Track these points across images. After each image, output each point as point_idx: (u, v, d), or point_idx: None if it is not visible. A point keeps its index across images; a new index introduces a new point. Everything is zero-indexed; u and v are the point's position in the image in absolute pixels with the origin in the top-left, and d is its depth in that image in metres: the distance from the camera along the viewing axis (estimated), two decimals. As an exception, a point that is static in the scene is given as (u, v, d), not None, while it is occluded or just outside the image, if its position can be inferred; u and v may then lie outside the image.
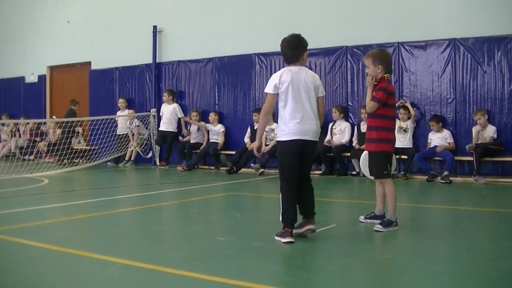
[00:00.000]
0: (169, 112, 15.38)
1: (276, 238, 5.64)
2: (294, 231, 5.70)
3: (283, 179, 5.81)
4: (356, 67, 13.00)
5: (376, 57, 6.48)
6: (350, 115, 13.15)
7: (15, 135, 19.30)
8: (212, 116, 14.76)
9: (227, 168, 13.61)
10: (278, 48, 14.14)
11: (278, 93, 5.79)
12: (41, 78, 19.95)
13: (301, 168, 5.83)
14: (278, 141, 5.89)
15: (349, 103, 13.11)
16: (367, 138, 6.57)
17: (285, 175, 5.78)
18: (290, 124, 5.75)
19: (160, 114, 15.72)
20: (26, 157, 17.32)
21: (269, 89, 5.84)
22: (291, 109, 5.75)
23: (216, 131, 14.63)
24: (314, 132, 5.85)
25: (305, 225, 5.79)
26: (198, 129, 14.92)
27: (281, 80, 5.77)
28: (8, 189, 10.68)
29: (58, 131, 17.66)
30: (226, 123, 14.71)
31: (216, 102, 15.02)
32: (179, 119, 15.45)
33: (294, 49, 5.88)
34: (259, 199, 9.88)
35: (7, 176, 13.18)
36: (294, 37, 5.92)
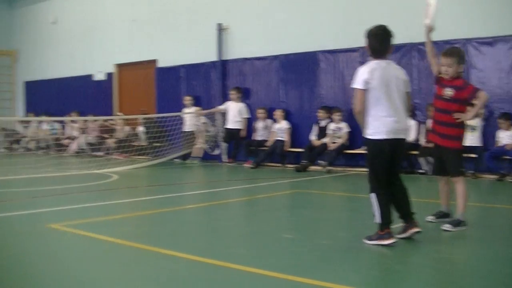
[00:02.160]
0: (236, 110, 15.71)
1: (371, 242, 5.55)
2: (398, 235, 5.68)
3: (374, 180, 5.68)
4: (423, 64, 12.99)
5: (461, 56, 6.57)
6: (417, 112, 13.14)
7: (84, 132, 19.88)
8: (277, 113, 14.97)
9: (296, 165, 13.73)
10: (342, 45, 14.28)
11: (367, 89, 5.59)
12: (109, 76, 20.64)
13: (392, 168, 5.71)
14: (368, 140, 5.71)
15: (416, 100, 13.12)
16: (442, 134, 6.57)
17: (377, 175, 5.67)
18: (383, 122, 5.58)
19: (222, 109, 16.05)
20: (96, 153, 17.86)
21: (358, 84, 5.63)
22: (384, 106, 5.58)
23: (282, 129, 14.80)
24: (406, 130, 5.85)
25: (410, 229, 5.75)
26: (266, 126, 15.14)
27: (372, 75, 5.57)
28: (78, 185, 11.26)
29: (126, 128, 18.22)
30: (292, 120, 14.89)
31: (282, 100, 15.22)
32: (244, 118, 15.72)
33: (382, 42, 5.69)
34: (326, 197, 10.09)
35: (77, 172, 13.75)
36: (382, 29, 5.73)
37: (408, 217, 5.78)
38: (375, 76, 5.57)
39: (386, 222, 5.54)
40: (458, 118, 6.39)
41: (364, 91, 5.60)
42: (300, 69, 15.00)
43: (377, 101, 5.60)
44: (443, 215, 6.73)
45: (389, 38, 5.71)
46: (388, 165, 5.63)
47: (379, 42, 5.69)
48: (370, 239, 5.56)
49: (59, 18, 23.03)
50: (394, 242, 5.46)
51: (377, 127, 5.61)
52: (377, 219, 5.56)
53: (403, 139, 5.76)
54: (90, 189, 10.67)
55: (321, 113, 14.18)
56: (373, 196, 5.62)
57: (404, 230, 5.79)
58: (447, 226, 6.30)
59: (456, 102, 6.45)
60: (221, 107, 16.22)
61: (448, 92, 6.47)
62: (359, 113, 5.73)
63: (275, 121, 15.16)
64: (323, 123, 14.19)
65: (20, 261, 5.05)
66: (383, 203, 5.56)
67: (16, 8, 25.53)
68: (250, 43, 16.19)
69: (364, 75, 5.59)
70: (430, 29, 6.81)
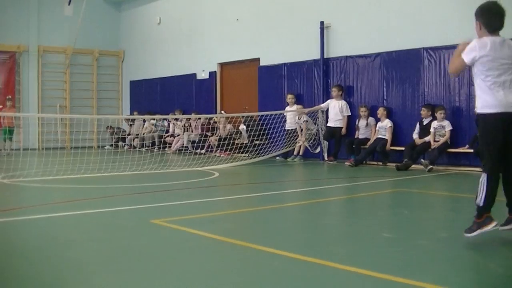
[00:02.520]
0: (337, 108, 15.71)
1: (473, 234, 5.39)
2: (501, 227, 5.51)
3: (487, 157, 5.45)
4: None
5: None
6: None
7: (187, 129, 20.29)
8: (380, 112, 14.83)
9: (397, 164, 13.60)
10: (446, 42, 14.00)
11: (472, 64, 5.47)
12: (212, 74, 20.98)
13: (507, 150, 5.44)
14: (479, 114, 5.53)
15: None
16: None
17: (489, 151, 5.44)
18: (495, 96, 5.37)
19: (324, 107, 16.03)
20: (198, 151, 18.20)
21: (466, 57, 5.48)
22: (494, 82, 5.39)
23: (384, 127, 14.67)
24: None
25: None
26: (367, 124, 15.06)
27: (484, 52, 5.40)
28: (181, 181, 11.59)
29: (228, 126, 18.48)
30: (394, 118, 14.75)
31: (385, 98, 15.09)
32: (345, 116, 15.69)
33: (497, 17, 5.51)
34: (427, 196, 9.94)
35: (180, 169, 14.14)
36: (495, 4, 5.57)
37: None
38: (488, 54, 5.39)
39: (489, 205, 5.35)
40: None
41: (465, 64, 5.54)
42: (403, 66, 14.83)
43: (487, 78, 5.43)
44: None
45: (504, 13, 5.52)
46: (501, 142, 5.40)
47: (494, 16, 5.52)
48: (471, 231, 5.41)
49: (164, 19, 23.66)
50: (496, 225, 5.31)
51: (488, 100, 5.44)
52: (480, 200, 5.37)
53: None
54: (192, 186, 10.93)
55: (423, 111, 13.99)
56: (482, 176, 5.44)
57: (508, 221, 5.58)
58: None
59: None
60: (323, 105, 16.25)
61: None
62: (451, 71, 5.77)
63: (378, 119, 15.02)
64: (425, 121, 13.99)
65: (125, 254, 5.28)
66: (492, 185, 5.36)
67: (123, 11, 26.45)
68: (353, 40, 16.14)
69: (475, 51, 5.45)
70: None
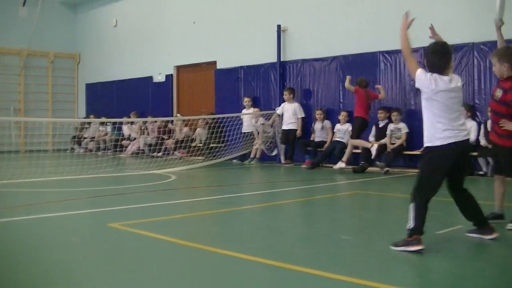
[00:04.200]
0: (291, 111, 15.78)
1: (397, 248, 5.38)
2: (467, 233, 5.88)
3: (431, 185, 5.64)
4: (483, 64, 12.83)
5: (502, 55, 6.39)
6: (477, 113, 12.97)
7: (144, 133, 20.20)
8: (342, 115, 14.83)
9: (356, 166, 13.68)
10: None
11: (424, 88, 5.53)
12: (168, 77, 20.94)
13: (458, 175, 5.72)
14: (427, 147, 5.64)
15: (476, 101, 13.01)
16: (498, 133, 6.43)
17: (429, 183, 5.64)
18: (446, 126, 5.47)
19: (279, 113, 16.04)
20: (155, 154, 18.11)
21: (419, 82, 5.57)
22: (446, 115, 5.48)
23: (343, 130, 14.72)
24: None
25: (490, 233, 5.79)
26: (322, 127, 15.13)
27: (437, 88, 5.46)
28: (138, 185, 11.46)
29: (185, 129, 18.46)
30: (350, 121, 14.80)
31: (341, 101, 15.18)
32: (299, 118, 15.74)
33: (441, 58, 5.58)
34: (384, 198, 10.02)
35: (137, 172, 14.03)
36: (441, 46, 5.70)
37: (483, 223, 5.85)
38: (440, 89, 5.47)
39: (419, 229, 5.40)
40: (502, 126, 6.28)
41: (422, 78, 5.57)
42: (359, 70, 14.92)
43: (439, 111, 5.50)
44: (495, 217, 6.57)
45: (448, 55, 5.62)
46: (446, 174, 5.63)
47: (438, 58, 5.59)
48: (396, 245, 5.41)
49: (120, 21, 23.53)
50: (421, 249, 5.27)
51: (436, 134, 5.53)
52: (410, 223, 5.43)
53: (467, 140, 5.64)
54: (149, 189, 10.85)
55: (380, 114, 14.10)
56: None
57: (474, 231, 5.90)
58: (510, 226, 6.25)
59: (503, 105, 6.33)
60: (278, 111, 16.25)
61: (498, 93, 6.37)
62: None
63: (334, 122, 15.10)
64: (381, 124, 14.12)
65: (81, 259, 5.21)
66: (423, 211, 5.47)
67: (79, 13, 26.22)
68: (309, 44, 16.23)
69: (431, 83, 5.50)
70: (499, 24, 6.72)
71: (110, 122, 21.70)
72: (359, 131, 13.87)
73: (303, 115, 15.92)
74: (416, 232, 5.34)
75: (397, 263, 5.05)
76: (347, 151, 14.10)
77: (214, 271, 4.79)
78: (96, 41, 25.07)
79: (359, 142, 13.84)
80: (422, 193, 5.56)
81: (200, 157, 17.05)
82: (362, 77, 14.17)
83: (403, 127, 13.65)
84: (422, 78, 5.52)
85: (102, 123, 22.41)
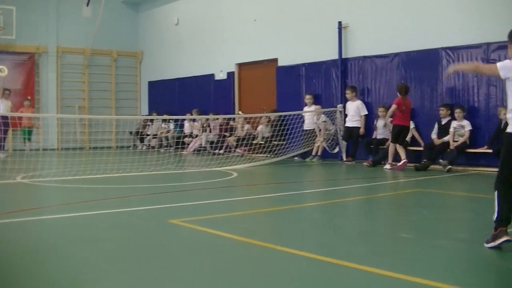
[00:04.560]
0: (353, 109, 15.72)
1: (487, 244, 5.29)
2: None
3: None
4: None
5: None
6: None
7: (205, 130, 20.34)
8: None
9: (418, 164, 13.56)
10: (465, 42, 13.96)
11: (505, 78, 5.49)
12: (230, 75, 21.03)
13: None
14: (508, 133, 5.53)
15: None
16: None
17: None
18: None
19: (346, 112, 15.97)
20: (216, 151, 18.25)
21: (502, 69, 5.50)
22: None
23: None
24: None
25: None
26: (385, 124, 15.00)
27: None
28: (199, 182, 11.66)
29: (246, 126, 18.56)
30: (413, 118, 14.66)
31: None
32: (362, 116, 15.67)
33: None
34: (445, 196, 9.91)
35: (198, 169, 14.16)
36: None
37: None
38: None
39: (500, 220, 5.29)
40: None
41: (497, 71, 5.54)
42: (421, 66, 14.77)
43: None
44: None
45: None
46: None
47: None
48: (487, 242, 5.32)
49: (182, 19, 23.76)
50: (506, 241, 5.14)
51: None
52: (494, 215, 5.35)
53: None
54: (210, 186, 10.97)
55: (442, 111, 13.94)
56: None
57: None
58: None
59: None
60: (340, 109, 16.21)
61: None
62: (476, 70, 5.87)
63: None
64: (444, 121, 13.95)
65: (143, 254, 5.31)
66: (507, 199, 5.34)
67: (141, 11, 26.62)
68: (371, 40, 16.12)
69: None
70: None
71: (172, 119, 21.97)
72: (397, 138, 13.83)
73: (366, 113, 15.85)
74: (501, 224, 5.25)
75: (458, 262, 5.00)
76: (389, 153, 14.00)
77: (273, 268, 4.79)
78: (158, 39, 25.42)
79: (392, 150, 13.87)
80: (504, 179, 5.42)
81: (261, 155, 17.11)
82: (402, 84, 14.15)
83: (467, 125, 13.45)
84: (507, 64, 5.43)
85: (164, 121, 22.70)
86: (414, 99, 14.84)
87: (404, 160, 13.75)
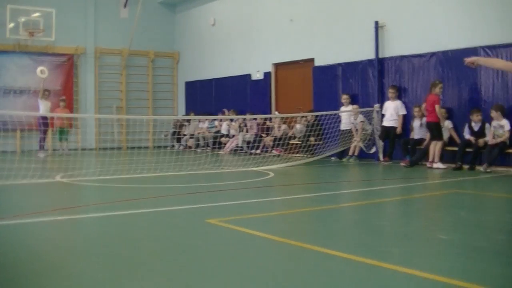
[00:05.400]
0: (392, 108, 15.67)
1: None
2: None
3: None
4: None
5: None
6: None
7: (242, 130, 20.44)
8: (442, 113, 14.62)
9: (455, 165, 13.51)
10: (505, 40, 13.87)
11: None
12: (266, 75, 21.14)
13: None
14: None
15: None
16: None
17: None
18: None
19: (383, 112, 15.91)
20: (253, 151, 18.33)
21: None
22: None
23: (444, 128, 14.49)
24: None
25: None
26: (421, 124, 14.95)
27: None
28: (236, 181, 11.76)
29: (283, 126, 18.62)
30: (450, 119, 14.58)
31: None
32: (401, 115, 15.61)
33: None
34: (484, 198, 9.86)
35: (235, 169, 14.30)
36: None
37: None
38: None
39: None
40: None
41: None
42: (459, 65, 14.62)
43: None
44: None
45: None
46: None
47: None
48: None
49: (218, 20, 23.93)
50: None
51: None
52: None
53: None
54: (247, 186, 11.06)
55: (475, 116, 13.81)
56: None
57: None
58: None
59: None
60: (378, 109, 16.18)
61: None
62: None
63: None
64: (476, 126, 13.83)
65: (180, 253, 5.41)
66: None
67: (178, 12, 26.88)
68: (408, 40, 16.08)
69: None
70: None
71: (208, 119, 22.13)
72: (438, 134, 13.85)
73: (404, 113, 15.84)
74: None
75: (497, 264, 4.92)
76: (436, 152, 13.95)
77: (309, 268, 4.82)
78: (195, 39, 25.63)
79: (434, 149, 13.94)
80: None
81: (298, 155, 17.16)
82: (434, 80, 14.15)
83: (506, 124, 13.32)
84: None
85: (201, 121, 22.86)
86: (452, 99, 14.80)
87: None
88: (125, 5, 25.26)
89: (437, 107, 13.95)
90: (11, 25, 22.25)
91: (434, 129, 14.08)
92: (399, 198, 9.70)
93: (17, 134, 22.22)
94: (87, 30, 24.67)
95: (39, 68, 20.22)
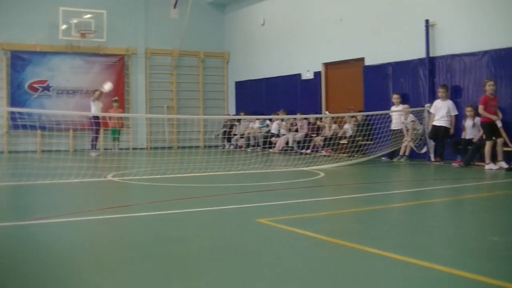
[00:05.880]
0: (443, 108, 15.55)
1: None
2: None
3: None
4: None
5: None
6: None
7: (291, 130, 20.50)
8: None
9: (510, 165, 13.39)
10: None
11: None
12: (316, 74, 21.19)
13: None
14: None
15: None
16: None
17: None
18: None
19: (434, 111, 15.77)
20: (303, 151, 18.38)
21: None
22: None
23: (495, 128, 14.38)
24: None
25: None
26: (474, 124, 14.81)
27: None
28: (286, 181, 11.81)
29: (334, 126, 18.63)
30: (504, 118, 14.40)
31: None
32: (453, 116, 15.49)
33: None
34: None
35: (285, 169, 14.36)
36: None
37: None
38: None
39: None
40: None
41: None
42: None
43: None
44: None
45: None
46: None
47: None
48: None
49: (267, 19, 24.03)
50: None
51: None
52: None
53: None
54: (297, 186, 11.15)
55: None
56: None
57: None
58: None
59: None
60: (431, 110, 16.03)
61: None
62: None
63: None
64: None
65: (230, 253, 5.49)
66: None
67: (227, 12, 27.08)
68: (459, 38, 15.96)
69: None
70: None
71: (259, 119, 22.25)
72: (489, 134, 13.79)
73: (456, 113, 15.69)
74: None
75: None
76: (488, 152, 13.82)
77: (358, 268, 4.85)
78: (245, 39, 25.83)
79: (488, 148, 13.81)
80: None
81: (346, 155, 17.14)
82: (484, 79, 14.08)
83: None
84: None
85: (251, 120, 23.01)
86: (505, 98, 14.62)
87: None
88: (175, 6, 25.56)
89: (480, 107, 13.83)
90: (64, 26, 22.82)
91: (485, 129, 13.96)
92: (449, 199, 9.65)
93: (69, 133, 22.73)
94: (137, 31, 25.10)
95: (107, 85, 20.78)
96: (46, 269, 4.87)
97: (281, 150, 20.52)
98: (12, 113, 19.95)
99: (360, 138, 17.36)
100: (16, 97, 22.57)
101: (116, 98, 22.03)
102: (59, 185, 11.02)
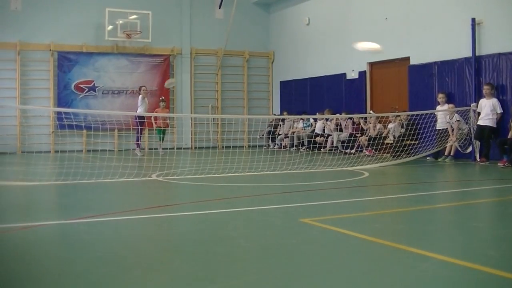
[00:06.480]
0: (488, 107, 15.46)
1: None
2: None
3: None
4: None
5: None
6: None
7: (337, 129, 20.53)
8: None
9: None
10: None
11: None
12: (361, 74, 21.18)
13: None
14: None
15: None
16: None
17: None
18: None
19: (479, 110, 15.69)
20: (348, 150, 18.42)
21: None
22: None
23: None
24: None
25: None
26: (520, 124, 14.75)
27: None
28: (331, 181, 11.92)
29: (378, 125, 18.62)
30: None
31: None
32: (498, 114, 15.38)
33: None
34: None
35: (330, 168, 14.43)
36: None
37: None
38: None
39: None
40: None
41: None
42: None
43: None
44: None
45: None
46: None
47: None
48: None
49: (312, 19, 24.10)
50: None
51: None
52: None
53: None
54: (341, 185, 11.24)
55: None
56: None
57: None
58: None
59: None
60: (475, 108, 15.97)
61: None
62: None
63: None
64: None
65: (274, 252, 5.58)
66: None
67: (272, 12, 27.20)
68: (506, 37, 15.85)
69: None
70: None
71: (303, 118, 22.34)
72: None
73: (501, 111, 15.61)
74: None
75: None
76: None
77: (403, 269, 4.90)
78: (289, 39, 25.94)
79: None
80: None
81: (390, 155, 17.11)
82: None
83: None
84: None
85: (295, 120, 23.11)
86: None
87: None
88: (220, 6, 25.81)
89: None
90: (110, 27, 23.27)
91: None
92: (496, 200, 9.66)
93: (115, 133, 23.12)
94: (182, 31, 25.43)
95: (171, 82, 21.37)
96: (95, 267, 5.00)
97: (326, 150, 20.56)
98: (59, 113, 20.33)
99: (405, 138, 17.34)
100: (62, 97, 23.07)
101: (163, 98, 22.30)
102: (105, 185, 11.33)
